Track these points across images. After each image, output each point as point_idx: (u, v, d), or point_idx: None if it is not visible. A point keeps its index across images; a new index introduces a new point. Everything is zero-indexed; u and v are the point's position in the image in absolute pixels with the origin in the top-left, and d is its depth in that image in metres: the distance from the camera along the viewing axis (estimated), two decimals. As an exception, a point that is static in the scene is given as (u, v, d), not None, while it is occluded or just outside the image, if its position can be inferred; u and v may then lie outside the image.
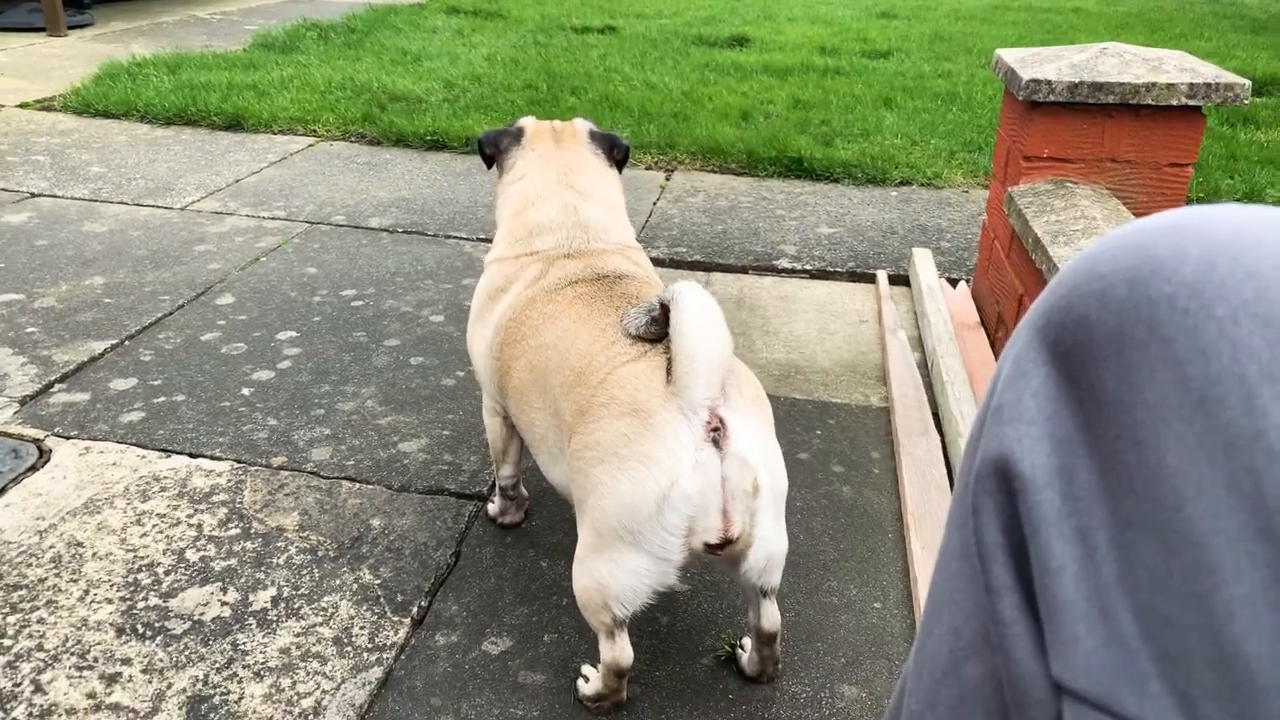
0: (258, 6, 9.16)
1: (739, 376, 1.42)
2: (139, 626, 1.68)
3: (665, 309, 1.37)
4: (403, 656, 1.66)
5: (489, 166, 1.96)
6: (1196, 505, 0.38)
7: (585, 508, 1.41)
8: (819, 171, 4.41)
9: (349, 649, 1.66)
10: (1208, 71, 2.43)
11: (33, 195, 3.84)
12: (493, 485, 2.11)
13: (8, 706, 1.51)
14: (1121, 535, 0.41)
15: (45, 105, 5.16)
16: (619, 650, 1.47)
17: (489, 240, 3.58)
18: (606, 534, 1.37)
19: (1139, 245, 0.43)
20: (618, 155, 1.91)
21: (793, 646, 1.71)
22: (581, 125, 1.92)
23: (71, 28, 7.18)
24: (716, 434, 1.31)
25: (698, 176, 4.43)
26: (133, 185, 4.02)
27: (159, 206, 3.79)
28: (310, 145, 4.73)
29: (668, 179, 4.38)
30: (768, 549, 1.41)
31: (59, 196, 3.84)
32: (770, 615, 1.55)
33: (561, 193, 1.79)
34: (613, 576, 1.38)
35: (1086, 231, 2.22)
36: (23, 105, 5.12)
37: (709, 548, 1.34)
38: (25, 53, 6.40)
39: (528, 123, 1.93)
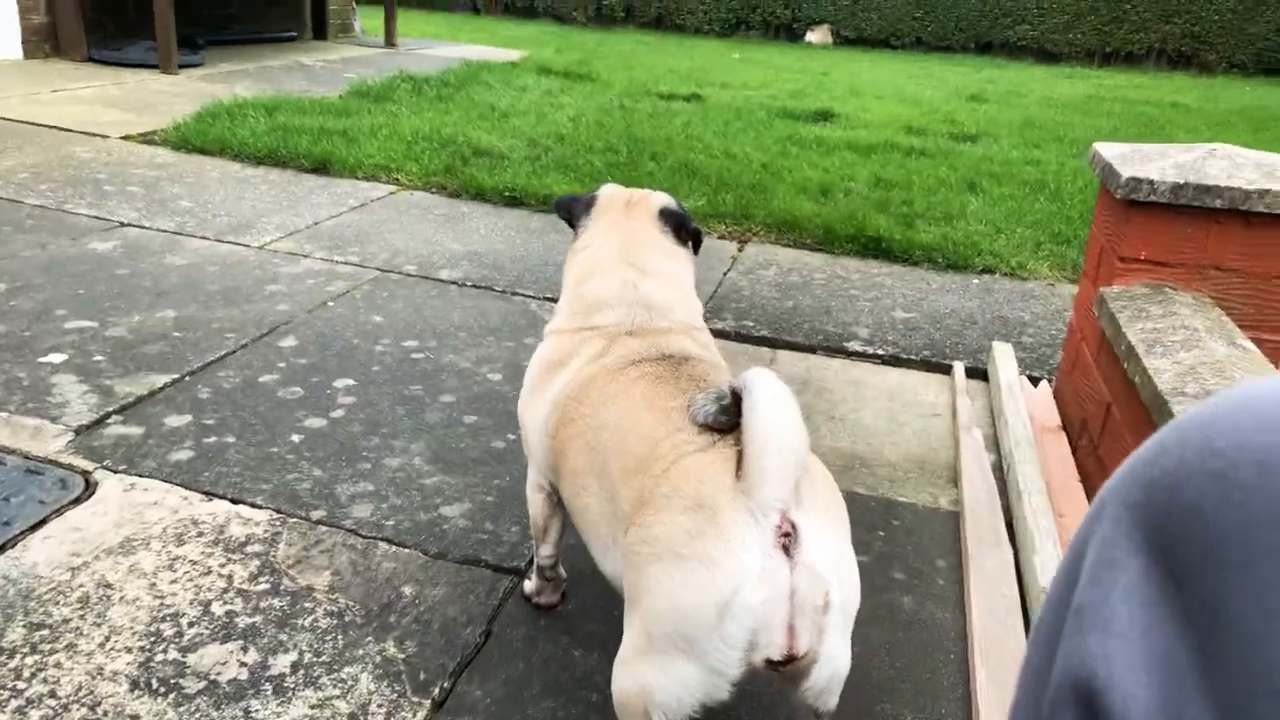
0: (359, 56, 9.52)
1: (815, 477, 1.31)
2: (154, 681, 1.62)
3: (737, 397, 1.28)
4: (418, 743, 1.56)
5: (571, 227, 1.92)
6: None
7: (637, 606, 1.30)
8: (897, 253, 4.30)
9: (363, 729, 1.57)
10: (1327, 181, 2.27)
11: (122, 225, 3.96)
12: (530, 561, 2.02)
13: (9, 757, 1.45)
14: None
15: (147, 138, 5.37)
16: (653, 766, 1.34)
17: (556, 300, 3.55)
18: (658, 638, 1.26)
19: (1270, 415, 0.33)
20: (685, 237, 1.83)
21: (837, 775, 1.56)
22: (656, 200, 1.85)
23: (183, 66, 7.54)
24: (787, 539, 1.21)
25: (771, 250, 4.36)
26: (217, 221, 4.12)
27: (238, 244, 3.87)
28: (391, 193, 4.81)
29: (740, 250, 4.32)
30: (832, 669, 1.29)
31: (146, 228, 3.95)
32: None
33: (621, 268, 1.72)
34: (659, 685, 1.27)
35: (1186, 344, 2.06)
36: (126, 137, 5.34)
37: (770, 664, 1.23)
38: (136, 87, 6.73)
39: (604, 191, 1.89)
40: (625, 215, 1.80)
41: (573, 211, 1.88)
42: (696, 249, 1.86)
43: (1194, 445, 0.35)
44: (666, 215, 1.81)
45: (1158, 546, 0.35)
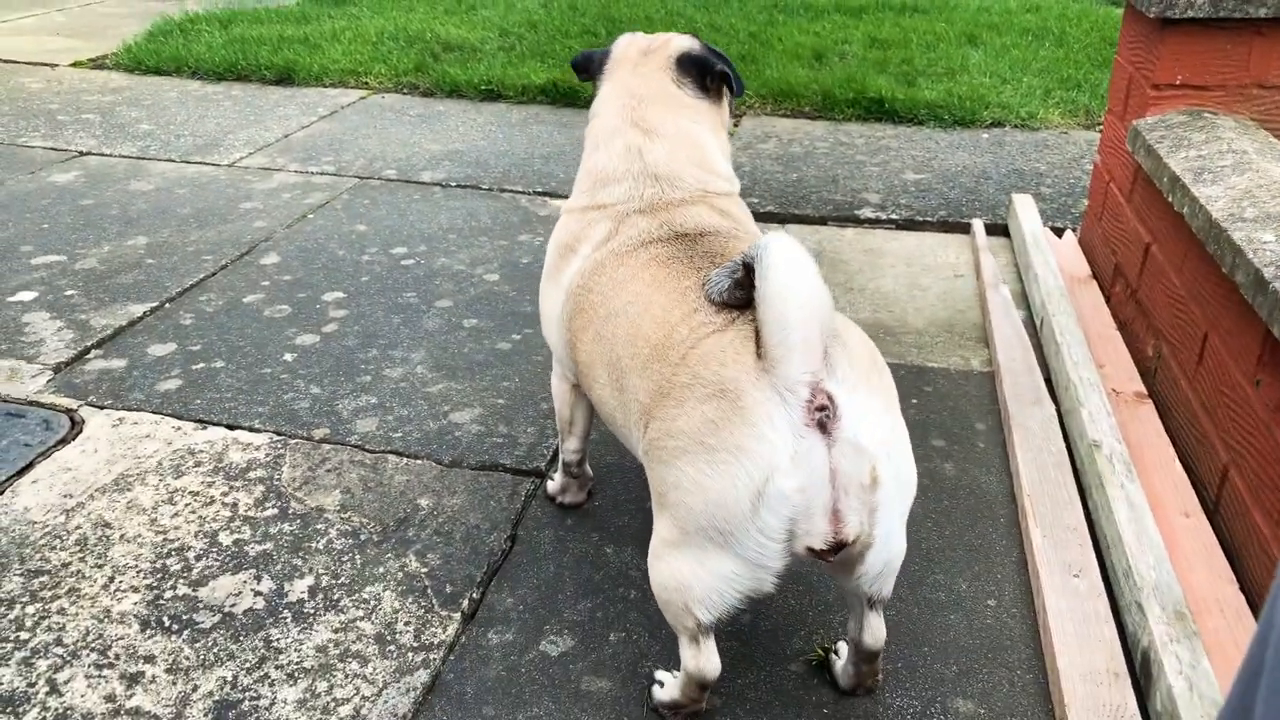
0: (312, -39, 8.98)
1: (848, 341, 1.16)
2: (165, 619, 1.53)
3: (749, 268, 1.12)
4: (452, 657, 1.47)
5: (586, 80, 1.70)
6: None
7: (666, 502, 1.19)
8: (901, 113, 4.07)
9: (392, 648, 1.48)
10: (1382, -24, 2.06)
11: (81, 154, 3.73)
12: (553, 458, 1.91)
13: (20, 710, 1.36)
14: None
15: (98, 64, 5.07)
16: (704, 659, 1.25)
17: (547, 194, 3.36)
18: (692, 532, 1.15)
19: None
20: (712, 83, 1.57)
21: (895, 651, 1.48)
22: (675, 45, 1.59)
23: (127, -14, 7.09)
24: (824, 414, 1.07)
25: (769, 121, 4.13)
26: (181, 142, 3.89)
27: (206, 164, 3.65)
28: (361, 98, 4.54)
29: (736, 124, 4.09)
30: (888, 554, 1.18)
31: (107, 155, 3.73)
32: (875, 630, 1.32)
33: (626, 132, 1.51)
34: (696, 578, 1.17)
35: (1237, 168, 1.89)
36: (75, 64, 5.04)
37: (814, 553, 1.11)
38: (81, 12, 6.34)
39: (620, 42, 1.64)
40: (635, 69, 1.58)
41: (589, 70, 1.67)
42: (734, 92, 1.60)
43: None
44: (684, 63, 1.55)
45: None
